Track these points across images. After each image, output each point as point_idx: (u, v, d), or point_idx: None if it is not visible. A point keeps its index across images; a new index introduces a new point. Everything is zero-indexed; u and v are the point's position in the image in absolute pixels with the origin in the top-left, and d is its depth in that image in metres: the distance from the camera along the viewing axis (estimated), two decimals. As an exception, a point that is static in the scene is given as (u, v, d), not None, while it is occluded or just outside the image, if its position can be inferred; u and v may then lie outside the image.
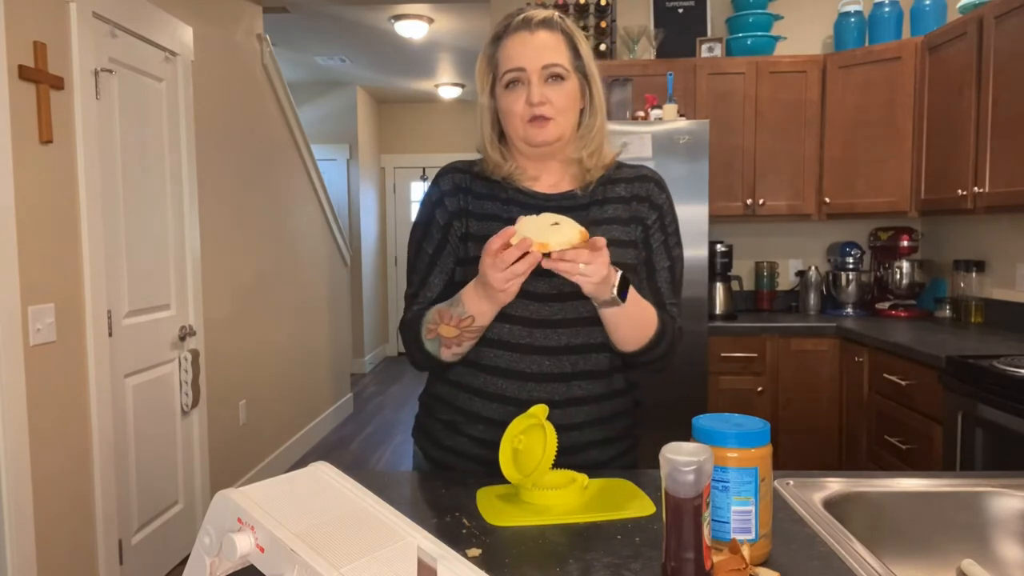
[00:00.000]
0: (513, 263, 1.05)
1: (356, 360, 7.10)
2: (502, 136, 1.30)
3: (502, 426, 1.17)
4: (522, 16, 1.24)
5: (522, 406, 1.19)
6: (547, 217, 1.08)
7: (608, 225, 1.26)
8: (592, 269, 1.05)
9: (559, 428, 1.14)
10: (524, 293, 1.16)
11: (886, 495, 1.15)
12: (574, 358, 1.24)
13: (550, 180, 1.31)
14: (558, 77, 1.22)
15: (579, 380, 1.24)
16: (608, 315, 1.17)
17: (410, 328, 1.27)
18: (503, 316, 1.20)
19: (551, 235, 1.04)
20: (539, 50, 1.21)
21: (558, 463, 1.13)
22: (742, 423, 0.93)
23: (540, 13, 1.25)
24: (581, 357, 1.24)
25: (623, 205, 1.29)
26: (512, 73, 1.22)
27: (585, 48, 1.26)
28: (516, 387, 1.24)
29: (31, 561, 2.14)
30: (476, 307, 1.15)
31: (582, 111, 1.29)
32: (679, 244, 1.34)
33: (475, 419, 1.28)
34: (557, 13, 1.26)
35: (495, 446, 1.16)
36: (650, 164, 3.02)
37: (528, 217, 1.08)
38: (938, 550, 1.13)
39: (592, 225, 1.24)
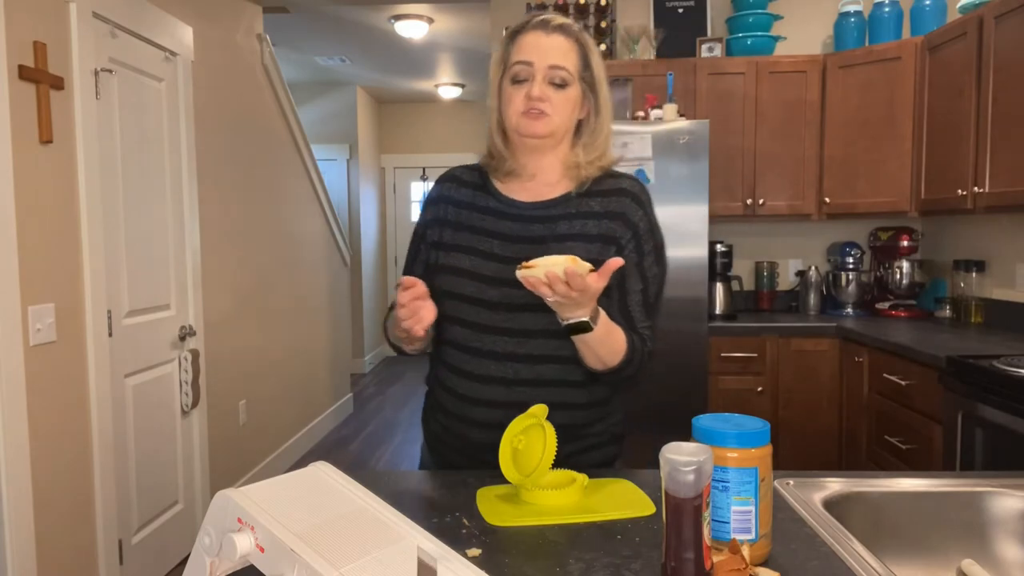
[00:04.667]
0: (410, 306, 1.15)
1: (356, 360, 7.10)
2: (507, 135, 1.34)
3: (455, 417, 1.31)
4: (542, 18, 1.30)
5: (471, 403, 1.29)
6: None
7: (572, 242, 1.28)
8: (561, 291, 1.08)
9: (500, 428, 1.18)
10: (477, 301, 1.26)
11: (886, 495, 1.15)
12: (517, 366, 1.27)
13: (549, 179, 1.34)
14: (562, 80, 1.27)
15: (521, 387, 1.27)
16: (575, 337, 1.19)
17: (387, 320, 1.35)
18: (458, 320, 1.29)
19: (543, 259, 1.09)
20: (550, 51, 1.27)
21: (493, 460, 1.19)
22: (742, 423, 0.93)
23: (560, 19, 1.31)
24: (525, 366, 1.26)
25: (593, 221, 1.30)
26: (519, 65, 1.27)
27: (597, 61, 1.31)
28: (466, 385, 1.30)
29: (31, 561, 2.14)
30: (400, 327, 1.21)
31: (584, 120, 1.33)
32: (658, 262, 1.35)
33: (437, 409, 1.37)
34: (578, 25, 1.32)
35: (454, 435, 1.31)
36: (650, 164, 3.03)
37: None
38: (938, 550, 1.13)
39: (554, 241, 1.27)
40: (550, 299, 1.10)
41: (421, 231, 1.39)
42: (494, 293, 1.26)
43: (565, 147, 1.33)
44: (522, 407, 1.20)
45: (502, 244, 1.29)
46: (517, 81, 1.28)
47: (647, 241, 1.33)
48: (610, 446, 1.39)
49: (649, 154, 3.03)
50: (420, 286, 1.17)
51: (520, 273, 1.09)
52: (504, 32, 1.33)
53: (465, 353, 1.29)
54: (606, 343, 1.20)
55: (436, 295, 1.25)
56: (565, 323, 1.16)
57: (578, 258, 1.08)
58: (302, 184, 4.65)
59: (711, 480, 0.84)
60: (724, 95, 3.47)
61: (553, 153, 1.33)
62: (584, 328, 1.15)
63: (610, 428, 1.38)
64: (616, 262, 1.10)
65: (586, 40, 1.31)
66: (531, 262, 1.08)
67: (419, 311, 1.16)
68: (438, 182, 1.41)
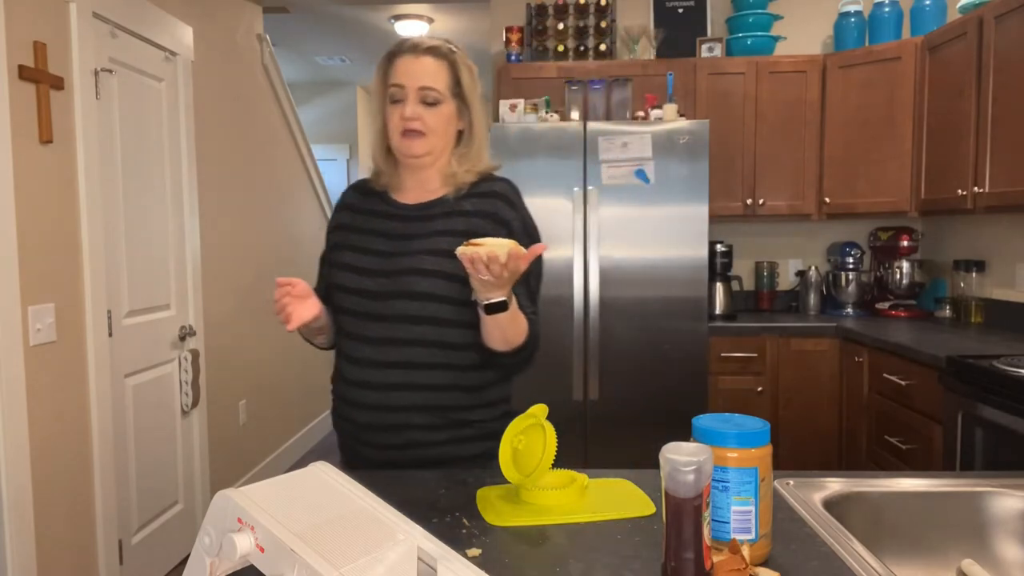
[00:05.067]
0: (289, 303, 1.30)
1: (356, 360, 7.09)
2: (391, 153, 1.46)
3: (344, 401, 1.43)
4: (412, 42, 1.40)
5: (355, 386, 1.40)
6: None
7: (440, 237, 1.39)
8: (496, 271, 1.17)
9: (379, 409, 1.37)
10: (357, 291, 1.40)
11: (886, 495, 1.15)
12: (389, 349, 1.37)
13: (429, 187, 1.45)
14: (433, 99, 1.38)
15: (394, 369, 1.37)
16: (486, 317, 1.28)
17: None
18: (343, 310, 1.42)
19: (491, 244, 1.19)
20: (419, 73, 1.38)
21: (383, 439, 1.37)
22: (742, 423, 0.93)
23: (430, 41, 1.41)
24: (395, 349, 1.37)
25: (464, 219, 1.41)
26: (393, 88, 1.39)
27: (467, 78, 1.42)
28: (349, 369, 1.42)
29: (31, 561, 2.14)
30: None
31: (462, 132, 1.45)
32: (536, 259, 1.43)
33: (336, 396, 1.49)
34: (449, 45, 1.42)
35: (346, 419, 1.43)
36: (650, 164, 3.03)
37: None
38: (938, 550, 1.13)
39: (426, 237, 1.39)
40: (484, 277, 1.18)
41: (327, 235, 1.54)
42: (371, 284, 1.39)
43: (444, 160, 1.44)
44: (396, 388, 1.36)
45: (383, 241, 1.42)
46: (394, 102, 1.39)
47: (522, 237, 1.41)
48: (491, 441, 1.42)
49: (649, 154, 3.03)
50: (299, 286, 1.32)
51: (461, 250, 1.16)
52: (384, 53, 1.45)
53: (349, 340, 1.42)
54: (515, 322, 1.31)
55: (332, 290, 1.43)
56: (485, 303, 1.25)
57: (518, 244, 1.17)
58: (302, 184, 4.65)
59: (711, 480, 0.84)
60: (724, 95, 3.47)
61: (433, 168, 1.44)
62: (503, 307, 1.25)
63: (492, 421, 1.44)
64: (541, 247, 1.22)
65: (456, 59, 1.41)
66: (477, 240, 1.16)
67: (287, 308, 1.30)
68: (345, 191, 1.56)
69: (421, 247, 1.38)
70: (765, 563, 0.91)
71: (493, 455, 1.42)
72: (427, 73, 1.38)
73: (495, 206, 1.42)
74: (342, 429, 1.48)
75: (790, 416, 3.26)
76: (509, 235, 1.37)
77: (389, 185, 1.48)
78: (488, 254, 1.14)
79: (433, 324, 1.36)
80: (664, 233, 3.05)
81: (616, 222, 3.05)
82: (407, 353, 1.37)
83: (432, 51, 1.39)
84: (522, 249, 1.17)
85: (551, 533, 1.01)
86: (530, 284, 1.43)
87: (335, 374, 1.47)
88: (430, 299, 1.35)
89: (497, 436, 1.42)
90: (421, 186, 1.45)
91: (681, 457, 0.82)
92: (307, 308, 1.33)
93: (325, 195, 5.05)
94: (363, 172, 7.23)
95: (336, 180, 7.01)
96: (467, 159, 1.44)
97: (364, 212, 1.48)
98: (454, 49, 1.42)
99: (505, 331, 1.32)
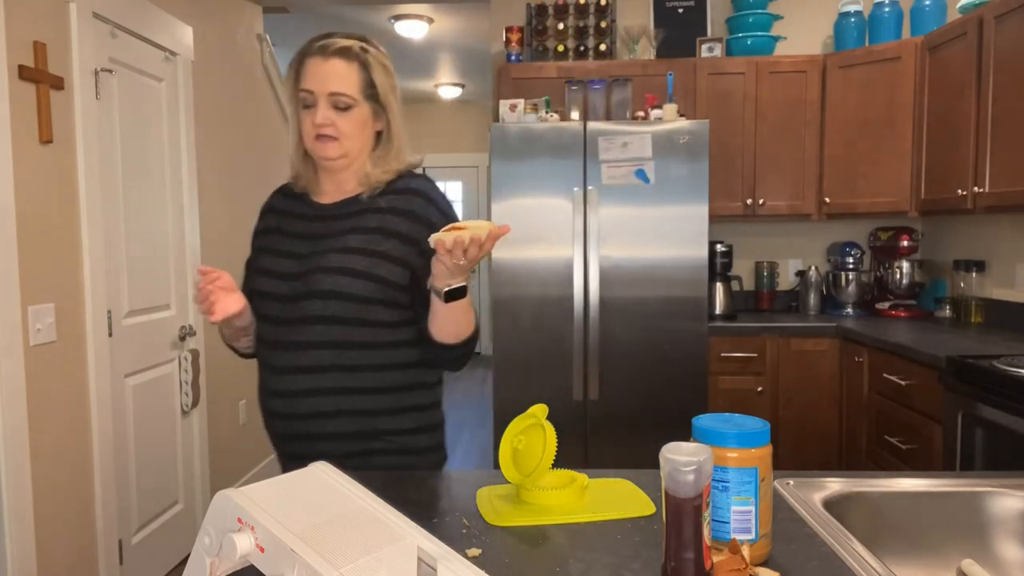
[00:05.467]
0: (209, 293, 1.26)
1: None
2: (308, 156, 1.42)
3: (264, 408, 1.39)
4: (321, 43, 1.34)
5: (270, 394, 1.36)
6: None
7: (350, 234, 1.35)
8: (471, 254, 1.15)
9: (291, 418, 1.34)
10: (271, 295, 1.36)
11: (886, 495, 1.15)
12: (300, 354, 1.33)
13: (346, 188, 1.41)
14: (345, 104, 1.33)
15: (303, 374, 1.32)
16: (443, 305, 1.26)
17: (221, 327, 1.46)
18: (260, 315, 1.38)
19: (466, 223, 1.17)
20: (328, 77, 1.31)
21: (299, 449, 1.34)
22: (742, 423, 0.93)
23: (340, 42, 1.33)
24: (304, 352, 1.32)
25: (376, 215, 1.36)
26: (303, 93, 1.33)
27: (382, 78, 1.36)
28: (265, 376, 1.38)
29: (31, 561, 2.14)
30: (200, 310, 1.31)
31: (380, 133, 1.41)
32: None
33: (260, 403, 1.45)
34: (361, 44, 1.35)
35: (268, 427, 1.39)
36: (650, 164, 3.03)
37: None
38: (938, 550, 1.13)
39: (339, 235, 1.35)
40: (461, 262, 1.16)
41: (252, 239, 1.50)
42: (285, 288, 1.35)
43: (362, 162, 1.40)
44: (305, 395, 1.31)
45: (301, 243, 1.38)
46: (306, 107, 1.34)
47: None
48: (404, 456, 1.38)
49: (649, 154, 3.03)
50: (224, 277, 1.28)
51: (441, 236, 1.14)
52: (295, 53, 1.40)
53: (266, 347, 1.38)
54: (467, 312, 1.31)
55: (252, 296, 1.39)
56: (447, 289, 1.23)
57: (494, 224, 1.15)
58: (302, 184, 4.64)
59: (711, 480, 0.84)
60: (724, 95, 3.47)
61: (350, 170, 1.40)
62: (463, 293, 1.25)
63: (408, 433, 1.38)
64: (505, 228, 1.17)
65: (368, 59, 1.34)
66: (459, 224, 1.15)
67: (210, 296, 1.26)
68: (272, 194, 1.52)
69: (330, 246, 1.34)
70: (765, 563, 0.91)
71: (410, 468, 1.38)
72: (337, 77, 1.31)
73: (411, 203, 1.37)
74: (268, 435, 1.43)
75: (790, 416, 3.26)
76: (430, 231, 1.31)
77: (308, 187, 1.44)
78: (473, 236, 1.12)
79: (338, 323, 1.31)
80: (664, 233, 3.05)
81: (616, 222, 3.05)
82: (315, 356, 1.32)
83: (342, 53, 1.32)
84: (503, 229, 1.16)
85: (551, 533, 1.01)
86: None
87: (258, 384, 1.42)
88: (333, 297, 1.30)
89: (411, 452, 1.40)
90: (338, 187, 1.42)
91: (681, 457, 0.82)
92: (232, 301, 1.29)
93: (325, 195, 5.04)
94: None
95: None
96: (385, 160, 1.40)
97: (286, 215, 1.45)
98: (367, 48, 1.35)
99: (459, 320, 1.30)
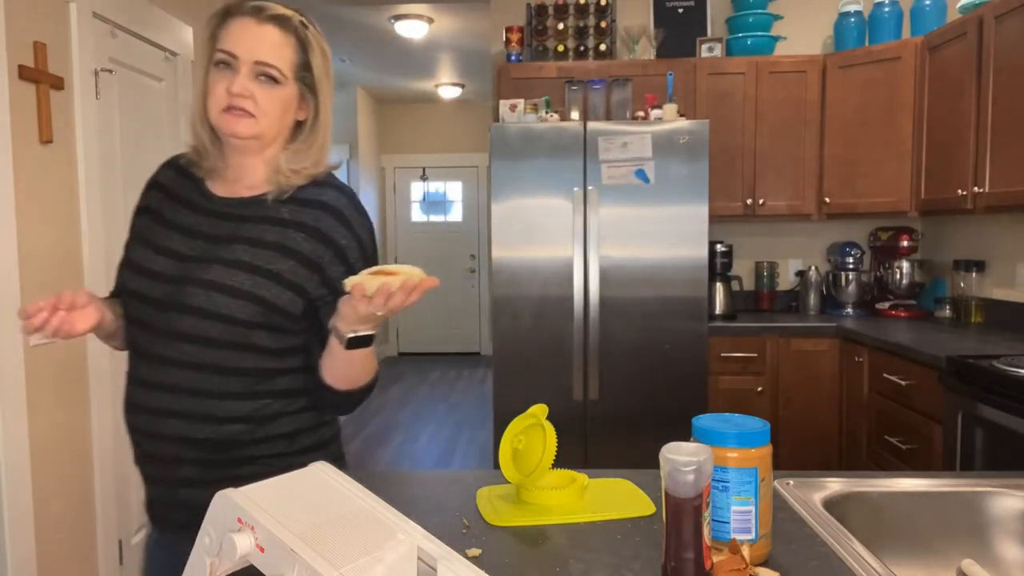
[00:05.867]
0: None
1: (356, 360, 7.10)
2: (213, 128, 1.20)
3: (127, 425, 1.21)
4: (256, 3, 1.14)
5: (129, 409, 1.19)
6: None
7: (241, 245, 1.13)
8: (394, 304, 0.99)
9: (152, 437, 1.15)
10: (141, 297, 1.16)
11: (886, 495, 1.15)
12: (160, 369, 1.14)
13: (251, 181, 1.20)
14: (271, 79, 1.13)
15: (165, 393, 1.14)
16: (343, 352, 1.09)
17: None
18: (128, 317, 1.19)
19: (394, 267, 1.00)
20: (259, 43, 1.12)
21: (157, 472, 1.16)
22: (742, 423, 0.93)
23: (278, 8, 1.15)
24: (167, 369, 1.13)
25: (277, 229, 1.15)
26: (223, 55, 1.12)
27: (320, 62, 1.18)
28: (127, 387, 1.20)
29: (31, 561, 2.14)
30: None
31: (301, 123, 1.20)
32: None
33: None
34: (301, 19, 1.17)
35: (132, 443, 1.21)
36: (650, 164, 3.03)
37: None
38: (938, 550, 1.13)
39: (232, 243, 1.14)
40: (376, 312, 1.00)
41: (132, 217, 1.29)
42: (156, 290, 1.14)
43: (275, 149, 1.19)
44: (167, 415, 1.13)
45: (181, 239, 1.17)
46: (220, 65, 1.13)
47: (357, 262, 1.18)
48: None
49: (649, 154, 3.03)
50: (65, 298, 1.08)
51: (356, 280, 0.98)
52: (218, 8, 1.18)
53: (130, 353, 1.21)
54: (369, 360, 1.14)
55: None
56: (351, 336, 1.07)
57: (424, 275, 1.00)
58: (302, 184, 4.65)
59: (711, 480, 0.84)
60: (724, 95, 3.47)
61: (260, 156, 1.18)
62: (368, 341, 1.09)
63: (281, 457, 1.18)
64: (433, 280, 1.00)
65: (308, 36, 1.16)
66: (390, 268, 0.98)
67: (52, 326, 1.06)
68: (160, 167, 1.29)
69: (216, 254, 1.13)
70: (765, 563, 0.91)
71: None
72: (270, 45, 1.12)
73: (320, 220, 1.16)
74: (134, 460, 1.24)
75: (790, 416, 3.26)
76: (340, 259, 1.16)
77: (205, 168, 1.21)
78: (404, 283, 0.97)
79: (212, 346, 1.11)
80: (664, 233, 3.05)
81: (616, 222, 3.05)
82: (184, 377, 1.12)
83: (279, 21, 1.13)
84: (432, 281, 1.00)
85: (551, 533, 1.01)
86: None
87: (124, 395, 1.24)
88: (208, 316, 1.10)
89: (296, 468, 1.19)
90: (240, 176, 1.19)
91: (681, 457, 0.82)
92: (81, 319, 1.10)
93: (325, 195, 5.04)
94: (363, 172, 7.23)
95: (336, 180, 7.02)
96: (304, 158, 1.18)
97: (173, 199, 1.22)
98: (307, 23, 1.17)
99: (358, 368, 1.14)
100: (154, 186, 1.27)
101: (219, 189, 1.21)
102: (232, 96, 1.11)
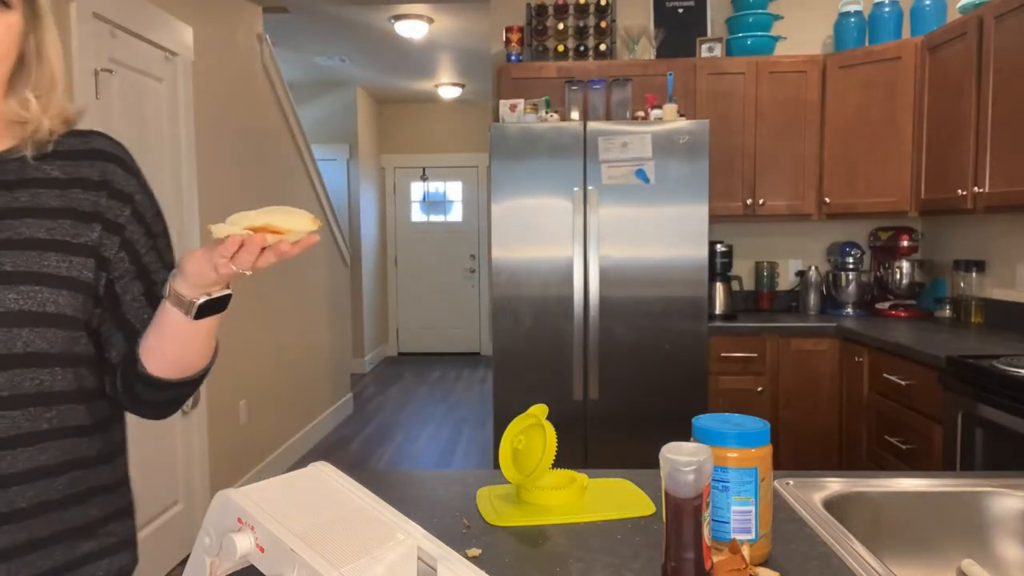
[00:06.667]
0: None
1: (356, 360, 7.10)
2: None
3: None
4: None
5: None
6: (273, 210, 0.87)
7: (31, 218, 0.88)
8: (263, 261, 0.84)
9: None
10: None
11: (886, 495, 1.15)
12: None
13: None
14: (2, 3, 0.85)
15: None
16: (186, 323, 0.89)
17: None
18: None
19: (282, 218, 0.85)
20: None
21: None
22: (742, 423, 0.93)
23: None
24: None
25: (56, 192, 0.91)
26: None
27: None
28: None
29: (31, 561, 2.14)
30: None
31: (26, 59, 0.91)
32: (170, 246, 1.02)
33: None
34: None
35: None
36: (650, 164, 3.03)
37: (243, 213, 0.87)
38: (938, 550, 1.13)
39: (9, 217, 0.87)
40: (247, 271, 0.84)
41: None
42: None
43: (2, 90, 0.90)
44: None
45: None
46: None
47: (153, 216, 0.99)
48: (102, 559, 0.96)
49: (649, 154, 3.03)
50: None
51: (227, 229, 0.84)
52: None
53: None
54: (211, 336, 0.94)
55: None
56: (207, 298, 0.87)
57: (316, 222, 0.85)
58: (302, 184, 4.65)
59: (711, 480, 0.84)
60: (724, 95, 3.47)
61: None
62: (223, 305, 0.90)
63: (107, 519, 0.97)
64: (315, 238, 0.85)
65: None
66: (266, 214, 0.84)
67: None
68: None
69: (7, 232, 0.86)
70: (765, 563, 0.91)
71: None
72: None
73: (105, 171, 0.94)
74: None
75: (790, 416, 3.26)
76: (134, 215, 0.96)
77: None
78: (294, 238, 0.83)
79: (36, 366, 0.86)
80: (664, 233, 3.05)
81: (616, 222, 3.06)
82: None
83: None
84: (313, 238, 0.85)
85: (551, 533, 1.01)
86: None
87: None
88: (29, 322, 0.85)
89: (121, 549, 1.00)
90: None
91: (681, 457, 0.82)
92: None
93: (325, 195, 5.05)
94: (363, 172, 7.23)
95: (336, 180, 7.02)
96: (48, 102, 0.93)
97: None
98: None
99: (199, 345, 0.93)
100: None
101: None
102: None
